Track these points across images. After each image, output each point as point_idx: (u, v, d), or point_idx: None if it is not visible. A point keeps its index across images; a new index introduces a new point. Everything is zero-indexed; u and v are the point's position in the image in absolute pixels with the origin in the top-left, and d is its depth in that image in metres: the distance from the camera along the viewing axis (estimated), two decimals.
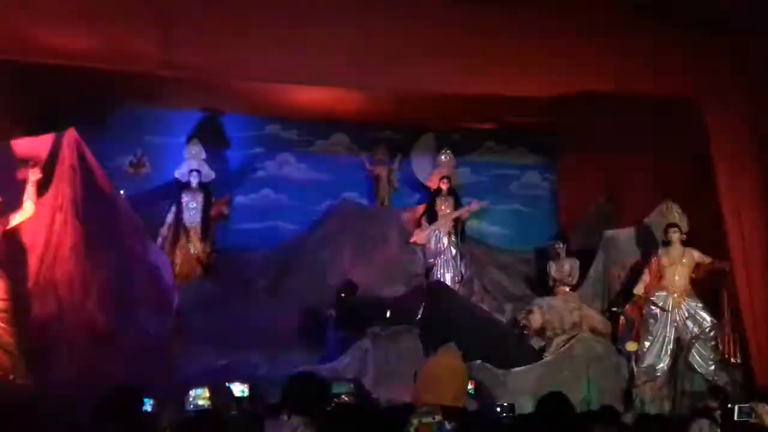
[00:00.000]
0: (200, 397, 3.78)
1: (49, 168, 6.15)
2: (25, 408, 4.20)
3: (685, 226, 7.66)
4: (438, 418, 2.47)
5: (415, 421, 2.48)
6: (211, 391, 3.88)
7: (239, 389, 4.63)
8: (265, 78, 8.09)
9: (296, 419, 3.44)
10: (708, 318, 7.37)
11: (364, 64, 7.62)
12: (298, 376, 3.68)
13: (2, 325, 5.58)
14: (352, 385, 4.89)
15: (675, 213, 7.77)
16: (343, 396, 4.75)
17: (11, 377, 5.50)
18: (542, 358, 7.75)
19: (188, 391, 3.83)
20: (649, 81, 7.88)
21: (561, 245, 8.92)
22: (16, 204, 5.89)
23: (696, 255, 7.56)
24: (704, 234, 7.75)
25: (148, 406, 4.13)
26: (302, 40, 7.40)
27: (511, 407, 5.38)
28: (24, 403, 4.99)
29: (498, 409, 5.40)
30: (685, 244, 7.61)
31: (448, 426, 2.44)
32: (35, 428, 3.75)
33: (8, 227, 5.82)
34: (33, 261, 6.02)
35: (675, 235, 7.60)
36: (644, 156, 8.86)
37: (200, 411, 3.79)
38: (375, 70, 7.65)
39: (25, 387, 5.49)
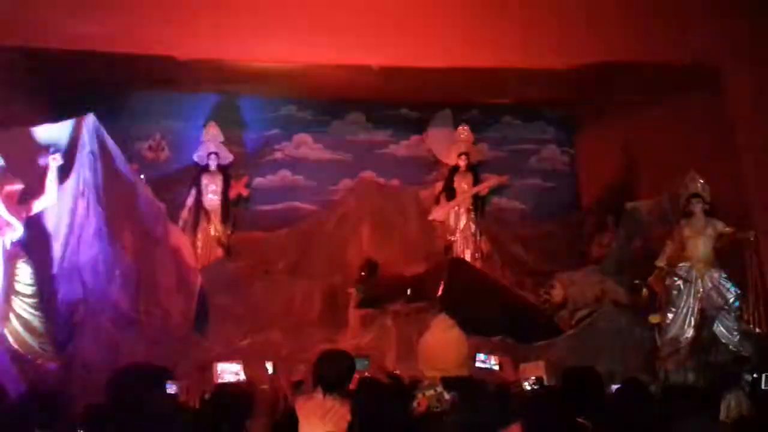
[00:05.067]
0: (230, 370, 3.82)
1: (69, 154, 6.19)
2: (52, 390, 4.27)
3: (707, 197, 7.53)
4: (439, 390, 2.49)
5: (419, 395, 2.50)
6: (245, 365, 3.93)
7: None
8: (279, 59, 8.07)
9: (330, 398, 3.46)
10: (732, 288, 7.28)
11: (378, 41, 7.57)
12: (329, 355, 3.68)
13: (29, 309, 5.66)
14: (368, 362, 4.90)
15: (697, 183, 7.64)
16: (365, 372, 4.78)
17: (39, 361, 5.60)
18: (564, 332, 7.73)
19: (216, 365, 3.88)
20: (669, 49, 7.74)
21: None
22: (38, 190, 5.95)
23: (719, 225, 7.45)
24: (727, 204, 7.64)
25: (172, 389, 4.18)
26: (315, 19, 7.36)
27: (539, 380, 5.35)
28: (51, 386, 5.09)
29: (525, 383, 5.38)
30: (708, 214, 7.50)
31: (447, 396, 2.46)
32: (62, 410, 3.82)
33: (31, 213, 5.89)
34: (57, 246, 6.09)
35: (698, 206, 7.48)
36: (665, 126, 8.73)
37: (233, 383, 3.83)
38: (389, 46, 7.60)
39: (52, 370, 5.58)
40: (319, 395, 3.50)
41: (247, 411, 3.39)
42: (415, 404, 2.40)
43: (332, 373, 3.55)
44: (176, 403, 4.03)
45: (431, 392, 2.42)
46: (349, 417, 3.23)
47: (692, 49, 7.76)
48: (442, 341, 2.92)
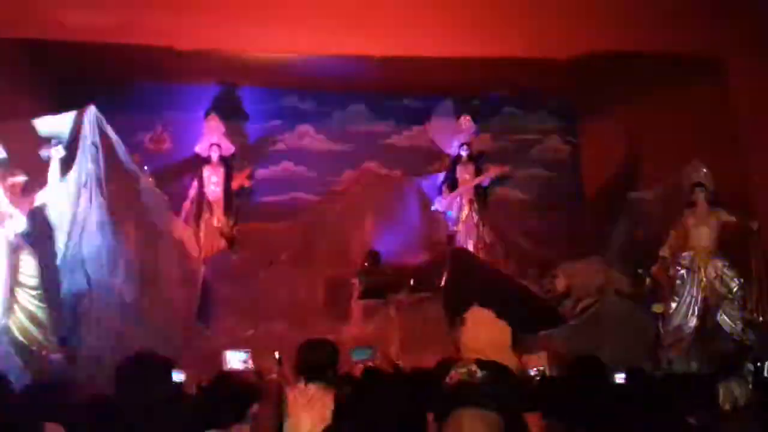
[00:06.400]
0: (239, 359, 3.82)
1: (71, 145, 6.20)
2: (57, 382, 4.29)
3: (711, 186, 7.53)
4: (473, 368, 2.48)
5: (452, 372, 2.50)
6: (254, 354, 3.92)
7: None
8: (280, 49, 8.05)
9: (312, 386, 3.48)
10: (735, 277, 7.29)
11: (380, 31, 7.55)
12: (310, 344, 3.70)
13: (33, 301, 5.68)
14: (371, 351, 4.91)
15: (701, 172, 7.63)
16: (368, 362, 4.78)
17: (43, 352, 5.62)
18: (567, 322, 7.73)
19: (225, 353, 3.88)
20: (671, 38, 7.71)
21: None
22: (40, 182, 5.96)
23: (723, 214, 7.44)
24: (731, 193, 7.62)
25: (177, 377, 4.19)
26: (316, 9, 7.34)
27: (541, 371, 5.37)
28: (55, 377, 5.11)
29: (531, 373, 5.39)
30: (711, 203, 7.50)
31: (479, 374, 2.45)
32: (67, 401, 3.83)
33: (34, 205, 5.90)
34: (60, 238, 6.11)
35: (701, 195, 7.48)
36: (668, 115, 8.71)
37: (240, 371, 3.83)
38: (390, 37, 7.58)
39: (56, 361, 5.61)
40: (301, 384, 3.52)
41: (248, 399, 3.39)
42: (447, 379, 2.40)
43: (314, 362, 3.56)
44: (181, 392, 4.04)
45: (464, 370, 2.41)
46: (332, 405, 3.25)
47: (695, 39, 7.73)
48: (485, 325, 2.91)
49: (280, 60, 8.53)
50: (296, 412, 3.41)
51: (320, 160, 10.19)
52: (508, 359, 2.87)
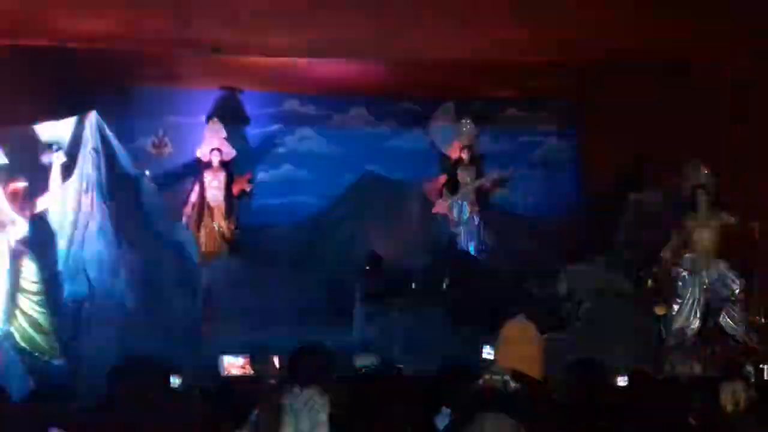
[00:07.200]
0: (237, 364, 3.81)
1: (72, 151, 6.21)
2: (59, 387, 4.29)
3: (712, 187, 7.53)
4: (506, 378, 2.47)
5: (486, 377, 2.50)
6: (252, 359, 3.91)
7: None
8: (280, 53, 8.07)
9: (307, 391, 3.47)
10: (737, 279, 7.27)
11: (380, 34, 7.55)
12: (304, 348, 3.69)
13: (35, 307, 5.69)
14: (374, 357, 4.91)
15: (702, 174, 7.63)
16: (370, 367, 4.78)
17: (45, 357, 5.63)
18: (570, 325, 7.72)
19: (222, 358, 3.86)
20: (671, 40, 7.70)
21: None
22: (41, 188, 5.97)
23: (724, 216, 7.43)
24: (733, 195, 7.61)
25: (176, 383, 4.18)
26: (316, 13, 7.34)
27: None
28: (58, 383, 5.11)
29: None
30: (712, 204, 7.49)
31: (513, 384, 2.43)
32: (69, 407, 3.83)
33: (36, 211, 5.91)
34: (61, 243, 6.12)
35: (703, 197, 7.48)
36: (669, 117, 8.70)
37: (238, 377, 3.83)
38: (391, 40, 7.58)
39: (58, 367, 5.61)
40: (296, 389, 3.52)
41: (248, 404, 3.39)
42: (480, 382, 2.40)
43: (308, 367, 3.56)
44: (180, 397, 4.03)
45: (498, 377, 2.40)
46: (327, 409, 3.24)
47: (695, 41, 7.72)
48: (522, 337, 2.88)
49: (281, 64, 8.55)
50: (293, 417, 3.41)
51: (321, 163, 10.21)
52: (539, 373, 2.84)
